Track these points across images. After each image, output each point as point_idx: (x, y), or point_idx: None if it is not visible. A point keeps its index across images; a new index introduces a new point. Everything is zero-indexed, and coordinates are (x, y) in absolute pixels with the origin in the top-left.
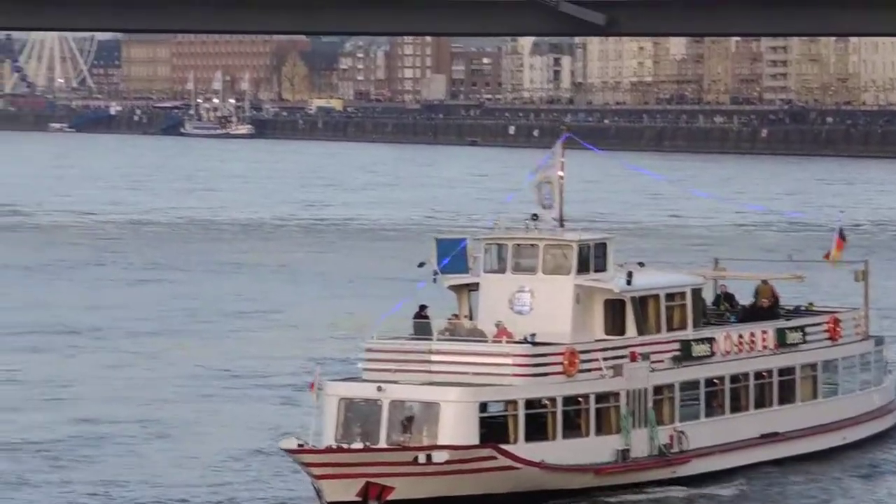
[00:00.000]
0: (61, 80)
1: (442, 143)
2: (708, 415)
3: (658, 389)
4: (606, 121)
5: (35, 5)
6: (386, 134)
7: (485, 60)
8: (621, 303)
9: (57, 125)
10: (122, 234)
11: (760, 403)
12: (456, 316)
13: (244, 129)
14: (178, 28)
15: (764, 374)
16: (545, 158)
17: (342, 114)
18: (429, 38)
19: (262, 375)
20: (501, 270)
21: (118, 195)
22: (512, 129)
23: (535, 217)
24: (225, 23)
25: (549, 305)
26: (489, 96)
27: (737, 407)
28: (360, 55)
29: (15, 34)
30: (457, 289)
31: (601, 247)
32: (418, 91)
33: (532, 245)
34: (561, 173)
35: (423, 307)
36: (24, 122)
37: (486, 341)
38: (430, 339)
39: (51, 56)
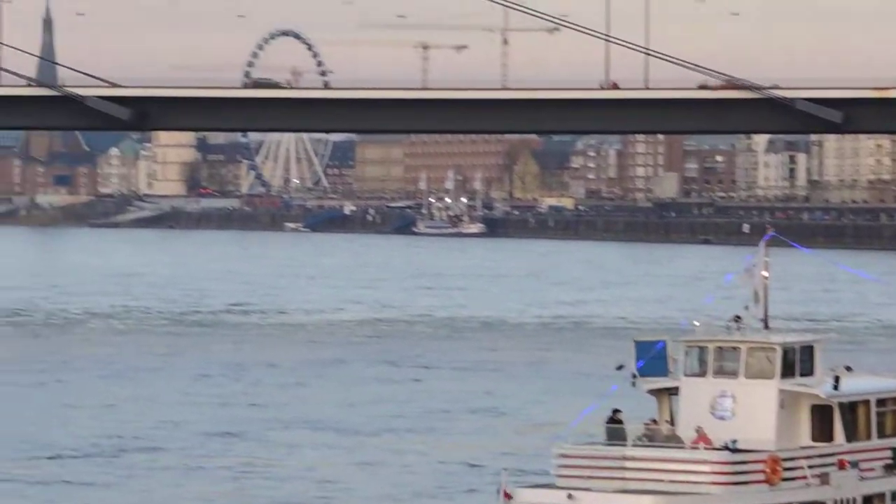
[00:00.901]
0: (296, 181)
1: (674, 242)
2: None
3: (868, 499)
4: (843, 219)
5: (272, 107)
6: (617, 232)
7: (718, 158)
8: (829, 408)
9: (292, 225)
10: (362, 331)
11: None
12: (654, 421)
13: (476, 227)
14: (411, 129)
15: None
16: (749, 258)
17: (573, 212)
18: (661, 136)
19: (455, 475)
20: (702, 374)
21: (354, 293)
22: (746, 228)
23: (737, 318)
24: (458, 123)
25: (751, 411)
26: (722, 194)
27: None
28: (592, 154)
29: (251, 135)
30: (656, 392)
31: (807, 350)
32: (650, 189)
33: (734, 348)
34: (765, 273)
35: (616, 411)
36: (260, 221)
37: (683, 447)
38: (625, 445)
39: (286, 157)
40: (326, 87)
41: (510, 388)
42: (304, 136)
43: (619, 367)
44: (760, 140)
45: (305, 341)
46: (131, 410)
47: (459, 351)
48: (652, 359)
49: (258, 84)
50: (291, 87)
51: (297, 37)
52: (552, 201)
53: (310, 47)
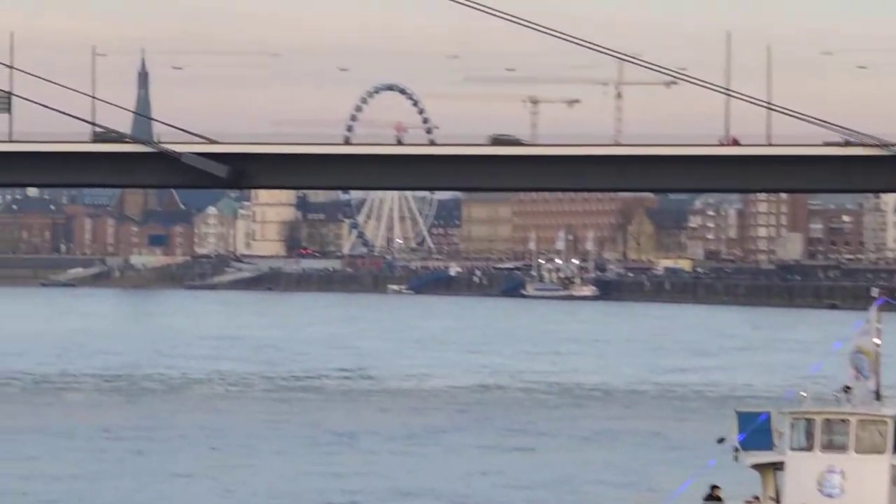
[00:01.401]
0: (400, 241)
1: (798, 306)
2: None
3: None
4: None
5: (375, 164)
6: (738, 296)
7: (845, 218)
8: None
9: (395, 287)
10: (472, 398)
11: None
12: (757, 498)
13: (588, 290)
14: (520, 186)
15: None
16: (858, 324)
17: (691, 274)
18: (784, 195)
19: None
20: (809, 448)
21: (462, 358)
22: (875, 292)
23: (847, 389)
24: (569, 180)
25: (862, 488)
26: (850, 256)
27: None
28: (711, 213)
29: (353, 193)
30: (759, 467)
31: None
32: (773, 251)
33: (843, 420)
34: (877, 341)
35: (714, 487)
36: (363, 283)
37: None
38: None
39: (390, 215)
40: (431, 142)
41: (625, 458)
42: (408, 193)
43: (721, 441)
44: (889, 199)
45: (414, 408)
46: (240, 480)
47: (573, 419)
48: (755, 431)
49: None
50: (395, 144)
51: (401, 91)
52: (668, 263)
53: (414, 102)
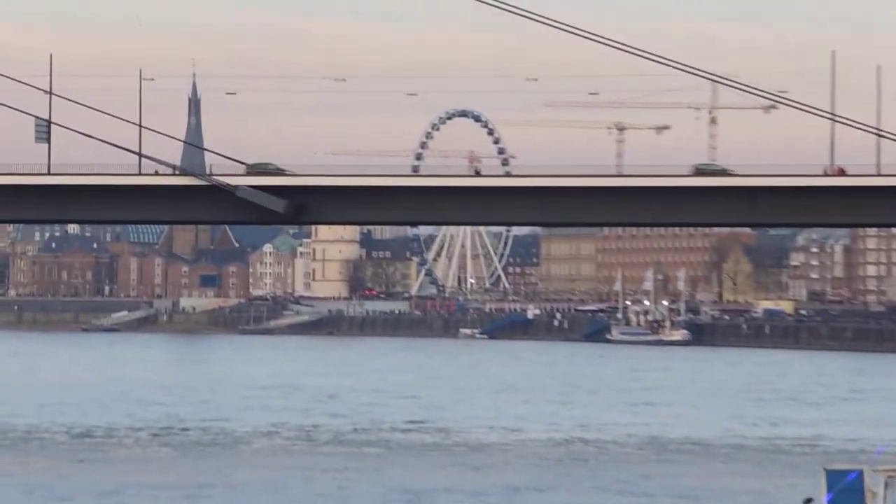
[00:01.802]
0: (473, 281)
1: None
2: None
3: None
4: None
5: (446, 197)
6: (845, 340)
7: None
8: None
9: (468, 331)
10: (557, 453)
11: None
12: None
13: (679, 334)
14: (604, 221)
15: None
16: None
17: (793, 317)
18: (895, 230)
19: None
20: None
21: (545, 409)
22: None
23: None
24: (658, 214)
25: None
26: None
27: None
28: (815, 250)
29: (422, 229)
30: None
31: None
32: (883, 291)
33: None
34: None
35: None
36: (432, 327)
37: None
38: None
39: (462, 253)
40: (508, 174)
41: None
42: (482, 229)
43: (808, 501)
44: None
45: (492, 464)
46: None
47: (665, 476)
48: (845, 491)
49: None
50: (468, 175)
51: (474, 117)
52: (768, 304)
53: (489, 129)
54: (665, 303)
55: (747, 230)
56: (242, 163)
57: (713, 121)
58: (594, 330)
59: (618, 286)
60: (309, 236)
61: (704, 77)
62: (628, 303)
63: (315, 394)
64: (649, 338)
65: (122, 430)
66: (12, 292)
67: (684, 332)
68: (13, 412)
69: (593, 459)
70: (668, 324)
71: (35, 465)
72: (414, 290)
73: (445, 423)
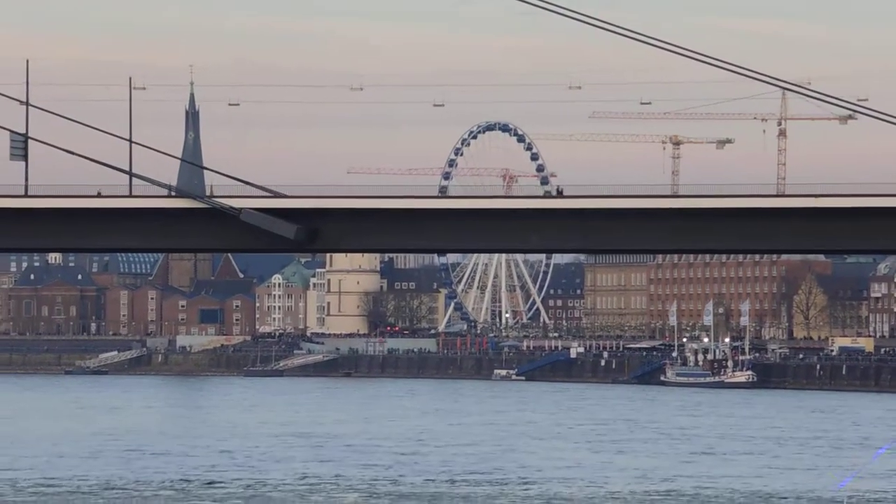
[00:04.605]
0: (508, 315)
1: None
2: None
3: None
4: None
5: (478, 220)
6: None
7: None
8: None
9: (502, 372)
10: None
11: None
12: None
13: (743, 376)
14: (657, 248)
15: None
16: None
17: (874, 356)
18: None
19: None
20: None
21: (601, 459)
22: None
23: None
24: (719, 240)
25: None
26: None
27: None
28: None
29: (451, 257)
30: None
31: None
32: None
33: None
34: None
35: None
36: (462, 367)
37: None
38: None
39: (495, 284)
40: (547, 194)
41: None
42: (519, 257)
43: None
44: None
45: None
46: None
47: None
48: None
49: None
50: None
51: (509, 131)
52: (845, 342)
53: (526, 145)
54: (727, 340)
55: (821, 257)
56: (248, 183)
57: (782, 133)
58: (646, 371)
59: (673, 321)
60: (323, 266)
61: (772, 84)
62: (685, 340)
63: (342, 441)
64: (709, 380)
65: (120, 486)
66: None
67: (749, 373)
68: (21, 466)
69: None
70: (730, 364)
71: None
72: (442, 326)
73: (501, 474)
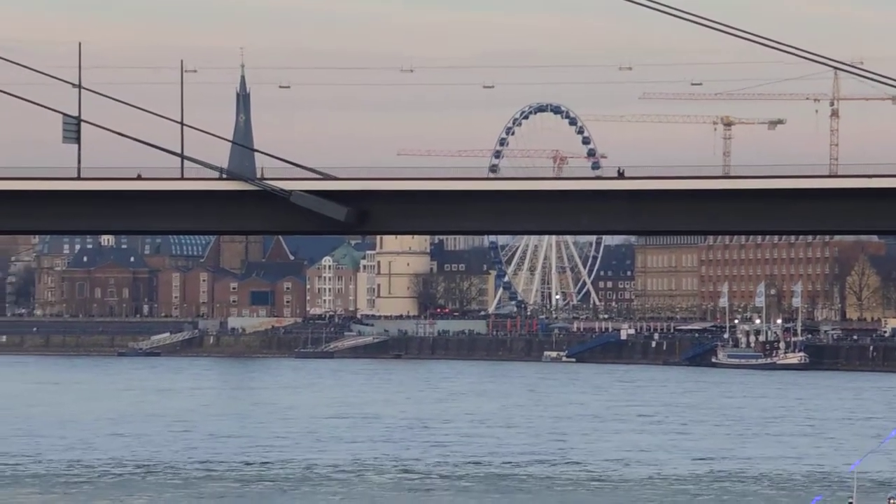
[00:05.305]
0: (558, 297)
1: None
2: None
3: None
4: None
5: (527, 202)
6: None
7: None
8: None
9: (552, 353)
10: (693, 487)
11: None
12: None
13: (795, 357)
14: (708, 229)
15: None
16: None
17: None
18: None
19: None
20: None
21: (658, 440)
22: None
23: None
24: (770, 221)
25: None
26: None
27: None
28: None
29: (501, 239)
30: None
31: None
32: None
33: None
34: None
35: None
36: (512, 349)
37: None
38: None
39: (545, 266)
40: (599, 176)
41: None
42: (569, 239)
43: None
44: None
45: (629, 501)
46: None
47: None
48: None
49: None
50: (552, 177)
51: (559, 112)
52: None
53: (577, 126)
54: (779, 321)
55: (874, 238)
56: (299, 165)
57: (834, 113)
58: (697, 352)
59: (724, 302)
60: (373, 247)
61: (824, 64)
62: (736, 321)
63: (397, 424)
64: (761, 361)
65: (178, 466)
66: (38, 312)
67: (801, 354)
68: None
69: (740, 495)
70: (782, 345)
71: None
72: (491, 308)
73: (557, 456)
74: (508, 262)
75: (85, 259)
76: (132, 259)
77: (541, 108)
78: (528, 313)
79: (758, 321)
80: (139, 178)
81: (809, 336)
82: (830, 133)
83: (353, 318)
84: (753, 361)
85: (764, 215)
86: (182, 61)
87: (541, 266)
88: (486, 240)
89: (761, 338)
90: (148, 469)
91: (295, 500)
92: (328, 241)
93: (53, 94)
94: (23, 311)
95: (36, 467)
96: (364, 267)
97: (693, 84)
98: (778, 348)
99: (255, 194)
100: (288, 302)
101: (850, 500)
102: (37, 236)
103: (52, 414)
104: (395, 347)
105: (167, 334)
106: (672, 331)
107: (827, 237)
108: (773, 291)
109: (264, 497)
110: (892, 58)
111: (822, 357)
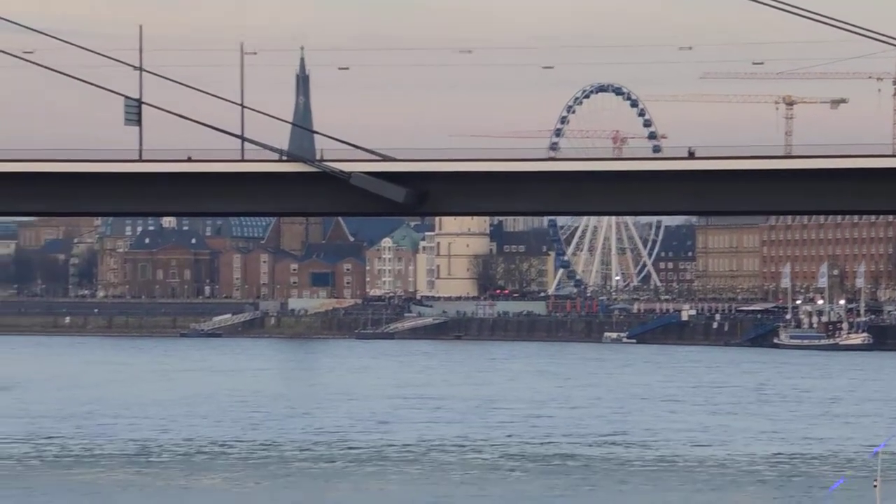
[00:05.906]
0: (618, 278)
1: None
2: None
3: None
4: None
5: (587, 183)
6: None
7: None
8: None
9: (613, 334)
10: (776, 470)
11: None
12: None
13: (858, 338)
14: (770, 209)
15: None
16: None
17: None
18: None
19: None
20: None
21: (720, 420)
22: None
23: None
24: (834, 200)
25: None
26: None
27: None
28: None
29: (561, 220)
30: None
31: None
32: None
33: None
34: None
35: None
36: (572, 330)
37: None
38: None
39: (605, 247)
40: (659, 157)
41: None
42: (629, 220)
43: None
44: None
45: (703, 482)
46: None
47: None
48: None
49: None
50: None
51: (619, 93)
52: None
53: (637, 107)
54: (842, 302)
55: None
56: (358, 147)
57: None
58: (759, 333)
59: (786, 283)
60: (432, 229)
61: (887, 43)
62: (799, 302)
63: (462, 404)
64: (824, 342)
65: (277, 446)
66: (101, 293)
67: (864, 335)
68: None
69: (816, 477)
70: (845, 326)
71: (252, 483)
72: (551, 289)
73: (623, 437)
74: (567, 242)
75: (147, 241)
76: (193, 241)
77: (602, 89)
78: (588, 294)
79: (820, 302)
80: (189, 160)
81: (872, 316)
82: (893, 112)
83: (412, 299)
84: (816, 342)
85: (826, 195)
86: (242, 44)
87: (601, 247)
88: (546, 221)
89: (824, 318)
90: (220, 448)
91: (363, 480)
92: (388, 222)
93: (115, 76)
94: (85, 292)
95: (110, 447)
96: (423, 248)
97: (754, 63)
98: (841, 329)
99: (315, 176)
100: (348, 283)
101: (875, 482)
102: (99, 218)
103: (129, 394)
104: (454, 328)
105: (228, 315)
106: (733, 312)
107: (890, 217)
108: (835, 272)
109: (334, 475)
110: None
111: (885, 337)
